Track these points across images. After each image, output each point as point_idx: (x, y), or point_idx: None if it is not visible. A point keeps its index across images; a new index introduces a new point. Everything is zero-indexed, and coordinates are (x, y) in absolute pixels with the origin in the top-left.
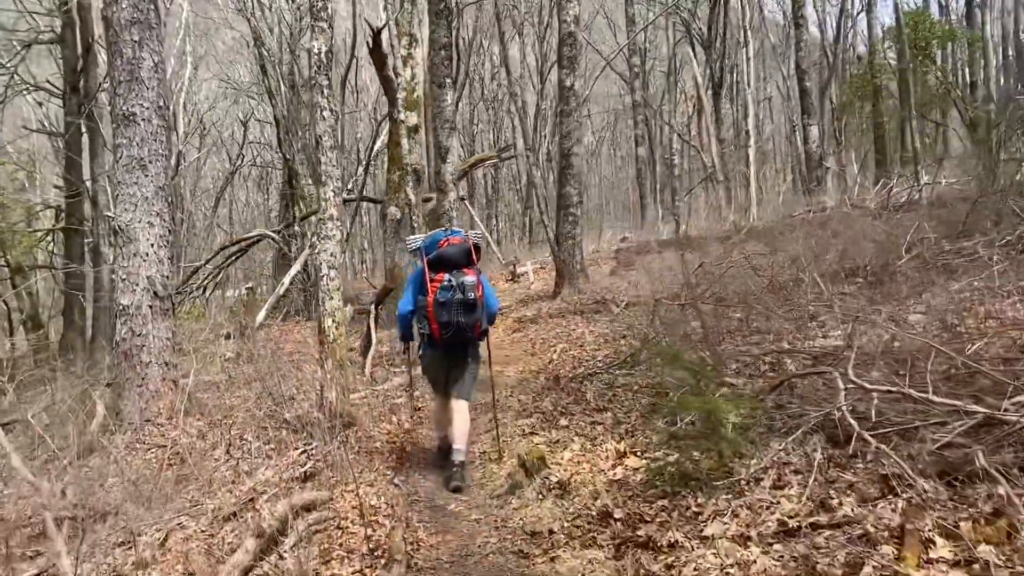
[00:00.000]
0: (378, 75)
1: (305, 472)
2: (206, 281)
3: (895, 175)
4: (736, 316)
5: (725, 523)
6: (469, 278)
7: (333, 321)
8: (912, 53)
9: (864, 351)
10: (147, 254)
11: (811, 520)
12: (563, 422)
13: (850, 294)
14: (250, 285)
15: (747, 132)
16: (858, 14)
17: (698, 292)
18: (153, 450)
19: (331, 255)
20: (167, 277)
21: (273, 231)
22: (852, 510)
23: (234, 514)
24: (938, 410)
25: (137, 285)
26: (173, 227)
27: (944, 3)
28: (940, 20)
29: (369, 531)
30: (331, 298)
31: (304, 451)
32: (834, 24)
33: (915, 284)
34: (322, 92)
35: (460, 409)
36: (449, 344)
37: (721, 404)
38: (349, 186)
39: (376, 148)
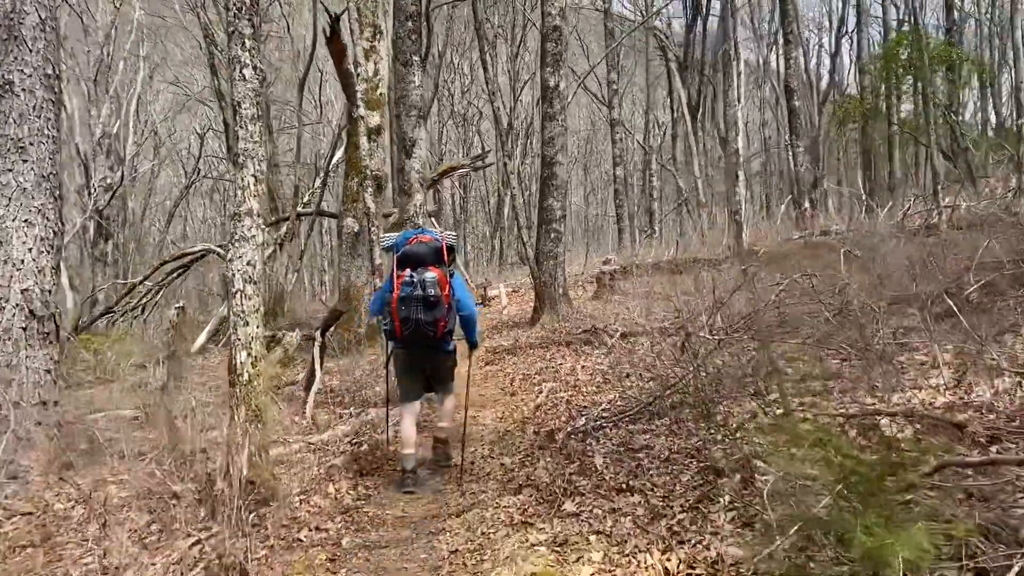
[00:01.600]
0: (336, 69)
1: None
2: (144, 300)
3: (911, 196)
4: (777, 354)
5: None
6: (430, 274)
7: (249, 355)
8: (901, 76)
9: None
10: (22, 261)
11: None
12: (569, 506)
13: (916, 328)
14: (180, 304)
15: (737, 151)
16: (843, 35)
17: (752, 322)
18: (15, 519)
19: (248, 263)
20: (49, 292)
21: (218, 245)
22: None
23: None
24: None
25: (7, 301)
26: (61, 228)
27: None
28: (932, 40)
29: None
30: (246, 323)
31: (199, 541)
32: (816, 50)
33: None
34: (242, 44)
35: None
36: (411, 342)
37: (913, 537)
38: (306, 199)
39: (336, 158)
